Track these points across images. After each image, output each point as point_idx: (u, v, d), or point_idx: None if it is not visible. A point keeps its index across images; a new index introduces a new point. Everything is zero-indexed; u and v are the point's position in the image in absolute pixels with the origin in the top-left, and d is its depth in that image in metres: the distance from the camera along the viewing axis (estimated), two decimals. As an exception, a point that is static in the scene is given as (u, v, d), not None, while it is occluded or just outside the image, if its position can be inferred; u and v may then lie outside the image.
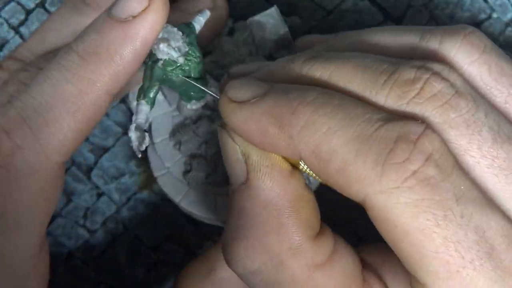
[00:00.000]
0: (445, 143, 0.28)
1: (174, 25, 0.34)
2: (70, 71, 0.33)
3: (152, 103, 0.34)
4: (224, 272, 0.41)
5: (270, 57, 0.42)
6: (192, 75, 0.34)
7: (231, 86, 0.31)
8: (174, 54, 0.33)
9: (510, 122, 0.30)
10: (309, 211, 0.31)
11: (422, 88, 0.29)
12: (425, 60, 0.30)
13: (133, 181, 0.46)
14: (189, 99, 0.35)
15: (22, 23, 0.45)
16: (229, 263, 0.32)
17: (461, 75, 0.30)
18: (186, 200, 0.42)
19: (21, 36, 0.45)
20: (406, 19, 0.44)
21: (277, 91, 0.30)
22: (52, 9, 0.45)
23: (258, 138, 0.30)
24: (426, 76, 0.29)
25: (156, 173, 0.42)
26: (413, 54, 0.32)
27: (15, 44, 0.46)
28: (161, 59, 0.33)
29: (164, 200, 0.46)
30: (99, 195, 0.46)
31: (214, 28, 0.43)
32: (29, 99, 0.33)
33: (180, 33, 0.33)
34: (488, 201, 0.28)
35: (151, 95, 0.34)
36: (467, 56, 0.31)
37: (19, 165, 0.33)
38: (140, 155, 0.34)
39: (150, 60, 0.34)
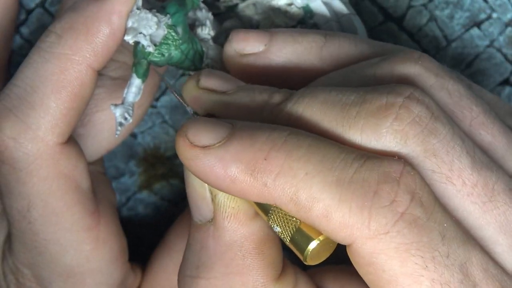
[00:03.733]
0: (423, 178, 0.27)
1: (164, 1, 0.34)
2: (48, 51, 0.33)
3: (143, 76, 0.34)
4: None
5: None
6: (174, 59, 0.34)
7: (191, 127, 0.29)
8: (144, 43, 0.33)
9: (479, 146, 0.29)
10: (273, 251, 0.30)
11: (398, 113, 0.28)
12: (391, 84, 0.29)
13: (133, 181, 0.46)
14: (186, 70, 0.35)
15: (22, 23, 0.45)
16: None
17: (431, 97, 0.29)
18: None
19: (22, 36, 0.45)
20: (406, 19, 0.44)
21: (243, 132, 0.28)
22: (52, 9, 0.45)
23: (226, 185, 0.28)
24: (399, 99, 0.28)
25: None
26: (372, 81, 0.30)
27: (16, 44, 0.46)
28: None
29: (164, 200, 0.46)
30: (99, 195, 0.46)
31: None
32: (12, 88, 0.34)
33: (155, 18, 0.33)
34: (467, 235, 0.28)
35: (140, 70, 0.34)
36: (425, 81, 0.30)
37: (17, 156, 0.33)
38: (118, 135, 0.34)
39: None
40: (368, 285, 0.27)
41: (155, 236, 0.46)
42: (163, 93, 0.45)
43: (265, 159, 0.27)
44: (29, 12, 0.45)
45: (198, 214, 0.30)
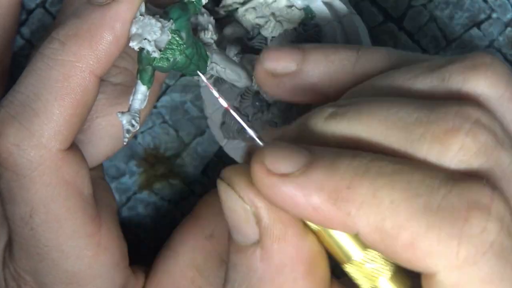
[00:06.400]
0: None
1: (167, 6, 0.34)
2: (52, 58, 0.33)
3: (148, 82, 0.34)
4: (222, 238, 0.40)
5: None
6: (179, 64, 0.34)
7: (269, 154, 0.27)
8: (149, 48, 0.33)
9: None
10: (323, 270, 0.29)
11: (464, 141, 0.27)
12: (458, 100, 0.28)
13: (133, 181, 0.46)
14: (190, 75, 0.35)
15: (22, 23, 0.45)
16: None
17: (498, 119, 0.28)
18: (229, 145, 0.42)
19: (22, 36, 0.46)
20: (406, 19, 0.44)
21: (324, 159, 0.27)
22: (52, 9, 0.45)
23: (308, 213, 0.27)
24: (467, 125, 0.27)
25: (206, 113, 0.43)
26: (436, 94, 0.29)
27: (16, 44, 0.46)
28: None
29: (164, 200, 0.46)
30: (99, 195, 0.46)
31: None
32: (16, 95, 0.33)
33: (159, 24, 0.33)
34: None
35: (145, 76, 0.34)
36: (495, 92, 0.29)
37: (21, 163, 0.33)
38: (126, 142, 0.34)
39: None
40: None
41: (155, 236, 0.46)
42: (163, 93, 0.45)
43: (348, 188, 0.26)
44: (30, 12, 0.45)
45: (241, 236, 0.29)
